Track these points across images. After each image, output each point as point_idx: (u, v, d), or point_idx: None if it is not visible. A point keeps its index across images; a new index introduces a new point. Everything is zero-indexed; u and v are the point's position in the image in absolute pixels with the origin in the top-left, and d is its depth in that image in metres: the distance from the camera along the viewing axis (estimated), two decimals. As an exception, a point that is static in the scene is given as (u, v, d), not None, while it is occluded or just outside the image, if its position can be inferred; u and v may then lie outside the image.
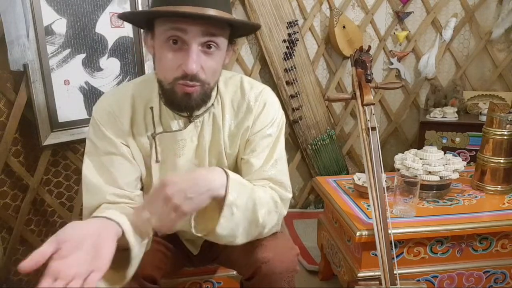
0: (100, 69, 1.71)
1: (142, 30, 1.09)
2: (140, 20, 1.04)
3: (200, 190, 0.88)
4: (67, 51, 1.61)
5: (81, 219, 1.91)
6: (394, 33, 2.59)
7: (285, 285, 1.06)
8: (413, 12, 2.55)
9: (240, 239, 1.00)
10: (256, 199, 0.98)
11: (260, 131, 1.10)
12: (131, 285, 1.00)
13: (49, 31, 1.55)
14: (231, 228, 0.95)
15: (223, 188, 0.91)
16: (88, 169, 1.05)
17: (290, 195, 1.11)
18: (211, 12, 0.92)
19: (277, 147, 1.12)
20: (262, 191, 1.03)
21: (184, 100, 0.98)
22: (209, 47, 0.95)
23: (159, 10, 0.93)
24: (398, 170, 1.59)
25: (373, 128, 1.33)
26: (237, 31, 1.04)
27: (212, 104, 1.09)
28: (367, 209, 1.46)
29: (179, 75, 0.95)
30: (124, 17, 1.02)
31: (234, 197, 0.92)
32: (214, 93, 1.09)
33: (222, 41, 0.98)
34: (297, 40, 2.40)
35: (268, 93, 1.14)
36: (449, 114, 2.40)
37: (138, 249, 0.90)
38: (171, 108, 1.05)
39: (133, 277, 1.01)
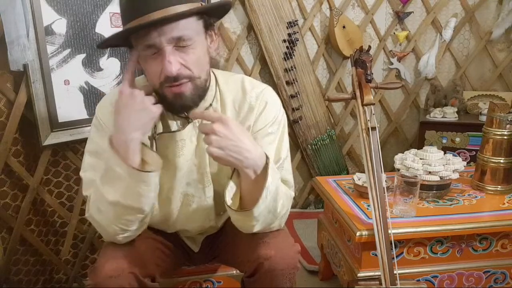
0: (100, 69, 1.71)
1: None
2: (119, 43, 1.03)
3: (237, 154, 0.90)
4: (67, 51, 1.61)
5: (81, 219, 1.91)
6: (394, 33, 2.59)
7: (287, 282, 1.06)
8: (413, 12, 2.55)
9: (258, 226, 1.02)
10: (279, 188, 1.01)
11: (262, 130, 1.10)
12: (130, 285, 1.00)
13: (49, 31, 1.55)
14: (259, 212, 0.97)
15: (256, 168, 0.93)
16: (90, 168, 1.06)
17: (293, 194, 1.14)
18: (172, 10, 0.91)
19: (283, 147, 1.14)
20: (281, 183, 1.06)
21: (177, 101, 0.99)
22: (181, 42, 0.95)
23: (119, 31, 0.96)
24: (398, 170, 1.59)
25: (373, 128, 1.33)
26: (210, 14, 1.02)
27: (211, 104, 1.09)
28: (367, 209, 1.46)
29: (163, 79, 0.96)
30: (104, 45, 1.03)
31: (270, 182, 0.94)
32: (212, 92, 1.09)
33: (194, 32, 0.96)
34: (297, 40, 2.40)
35: (269, 92, 1.14)
36: (449, 114, 2.40)
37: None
38: (170, 112, 1.06)
39: (132, 275, 1.01)
